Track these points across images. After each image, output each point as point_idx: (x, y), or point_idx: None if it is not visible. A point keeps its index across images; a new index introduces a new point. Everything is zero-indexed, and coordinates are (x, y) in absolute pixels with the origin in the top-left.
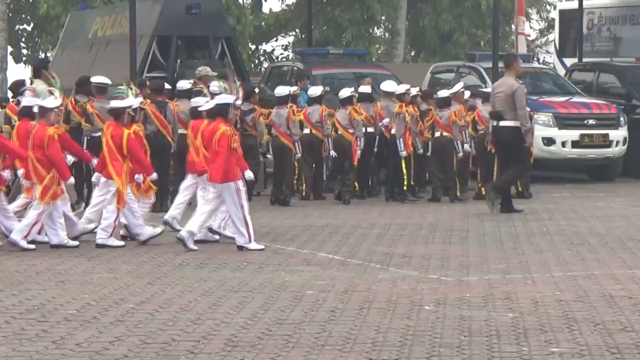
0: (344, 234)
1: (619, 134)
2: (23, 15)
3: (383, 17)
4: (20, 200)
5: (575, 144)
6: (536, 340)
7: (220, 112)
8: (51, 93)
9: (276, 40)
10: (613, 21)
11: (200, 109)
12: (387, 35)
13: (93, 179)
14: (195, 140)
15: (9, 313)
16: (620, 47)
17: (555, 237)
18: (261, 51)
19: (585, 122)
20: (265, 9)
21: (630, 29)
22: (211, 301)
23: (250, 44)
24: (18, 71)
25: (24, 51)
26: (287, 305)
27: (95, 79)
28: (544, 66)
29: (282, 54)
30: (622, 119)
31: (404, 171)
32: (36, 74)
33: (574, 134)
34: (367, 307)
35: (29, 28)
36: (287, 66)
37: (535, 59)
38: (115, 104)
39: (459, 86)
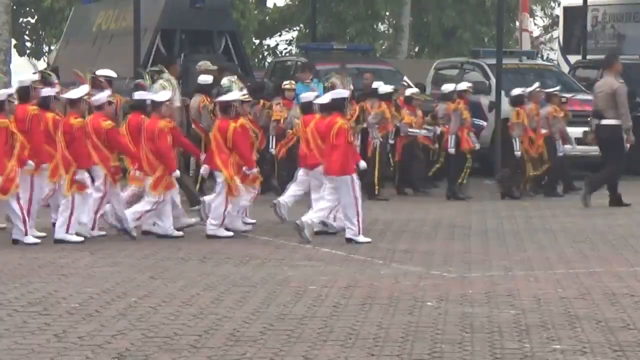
0: None
1: None
2: (27, 8)
3: (387, 13)
4: (129, 190)
5: (578, 141)
6: (538, 337)
7: (336, 106)
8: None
9: (280, 35)
10: (617, 18)
11: (316, 101)
12: (391, 31)
13: (202, 171)
14: (306, 133)
15: (11, 306)
16: (624, 44)
17: (558, 235)
18: (265, 46)
19: (589, 119)
20: (270, 3)
21: (635, 26)
22: (213, 296)
23: (254, 38)
24: (21, 64)
25: (28, 44)
26: (289, 300)
27: (100, 72)
28: (548, 63)
29: (286, 48)
30: None
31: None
32: (167, 67)
33: (578, 131)
34: (369, 303)
35: (32, 21)
36: (291, 61)
37: (539, 56)
38: (222, 97)
39: (535, 85)
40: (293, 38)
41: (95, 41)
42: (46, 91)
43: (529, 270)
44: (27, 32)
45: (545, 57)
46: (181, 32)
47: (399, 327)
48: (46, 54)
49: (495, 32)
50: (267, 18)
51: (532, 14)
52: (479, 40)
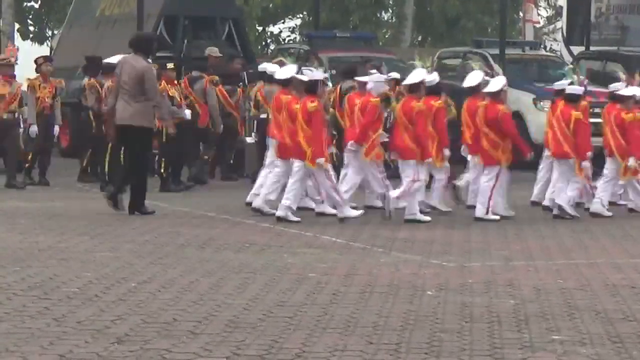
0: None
1: None
2: None
3: (391, 2)
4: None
5: None
6: (537, 328)
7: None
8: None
9: (283, 23)
10: (621, 10)
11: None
12: (394, 19)
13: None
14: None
15: (11, 289)
16: (628, 36)
17: (559, 225)
18: (268, 33)
19: (591, 110)
20: None
21: (638, 18)
22: (213, 282)
23: (257, 25)
24: (25, 48)
25: (31, 28)
26: (288, 287)
27: (107, 60)
28: (551, 54)
29: (289, 36)
30: None
31: None
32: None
33: None
34: (368, 291)
35: (36, 5)
36: (294, 48)
37: (542, 46)
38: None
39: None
40: (296, 25)
41: (99, 26)
42: None
43: (529, 260)
44: (30, 16)
45: (548, 48)
46: (184, 18)
47: (398, 316)
48: (49, 38)
49: (498, 22)
50: (270, 5)
51: (536, 4)
52: (483, 30)
